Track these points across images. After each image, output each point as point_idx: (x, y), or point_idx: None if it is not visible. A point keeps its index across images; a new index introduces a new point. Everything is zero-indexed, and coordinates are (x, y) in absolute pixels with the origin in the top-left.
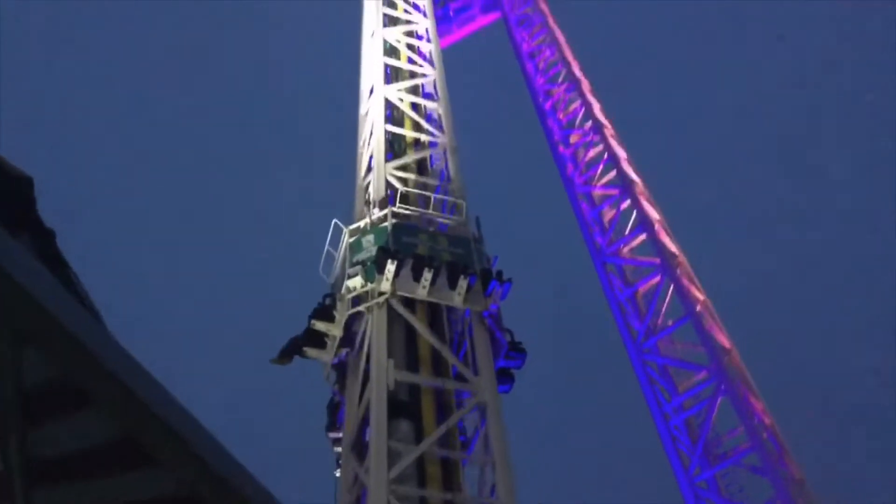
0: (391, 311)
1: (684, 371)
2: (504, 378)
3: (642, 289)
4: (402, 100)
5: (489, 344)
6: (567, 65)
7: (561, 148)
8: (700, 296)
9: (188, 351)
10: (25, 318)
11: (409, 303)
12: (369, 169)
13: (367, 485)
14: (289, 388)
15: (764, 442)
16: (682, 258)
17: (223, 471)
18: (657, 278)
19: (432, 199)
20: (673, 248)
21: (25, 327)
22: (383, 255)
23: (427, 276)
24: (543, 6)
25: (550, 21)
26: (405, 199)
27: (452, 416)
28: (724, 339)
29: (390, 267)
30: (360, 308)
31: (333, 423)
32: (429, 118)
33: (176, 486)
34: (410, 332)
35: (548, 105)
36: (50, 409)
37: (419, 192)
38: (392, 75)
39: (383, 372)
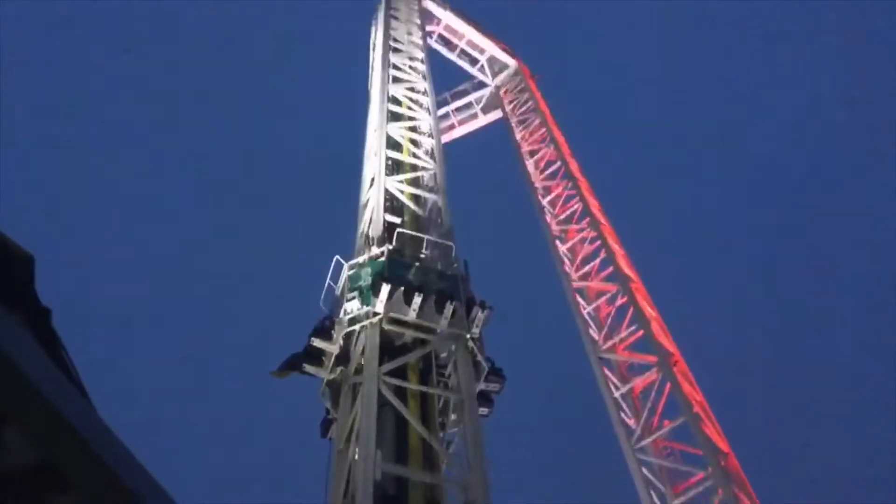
0: (381, 397)
1: (681, 473)
2: (484, 401)
3: (638, 386)
4: (402, 191)
5: (472, 368)
6: (566, 163)
7: (558, 243)
8: (697, 396)
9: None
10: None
11: (400, 391)
12: (370, 222)
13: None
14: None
15: None
16: (678, 357)
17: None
18: (653, 376)
19: (425, 241)
20: (669, 346)
21: (12, 407)
22: (379, 279)
23: (417, 300)
24: (543, 107)
25: (549, 120)
26: (401, 241)
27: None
28: (721, 442)
29: (385, 288)
30: (356, 327)
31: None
32: (429, 211)
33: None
34: (401, 422)
35: (546, 201)
36: (26, 492)
37: (414, 233)
38: (393, 167)
39: (370, 464)
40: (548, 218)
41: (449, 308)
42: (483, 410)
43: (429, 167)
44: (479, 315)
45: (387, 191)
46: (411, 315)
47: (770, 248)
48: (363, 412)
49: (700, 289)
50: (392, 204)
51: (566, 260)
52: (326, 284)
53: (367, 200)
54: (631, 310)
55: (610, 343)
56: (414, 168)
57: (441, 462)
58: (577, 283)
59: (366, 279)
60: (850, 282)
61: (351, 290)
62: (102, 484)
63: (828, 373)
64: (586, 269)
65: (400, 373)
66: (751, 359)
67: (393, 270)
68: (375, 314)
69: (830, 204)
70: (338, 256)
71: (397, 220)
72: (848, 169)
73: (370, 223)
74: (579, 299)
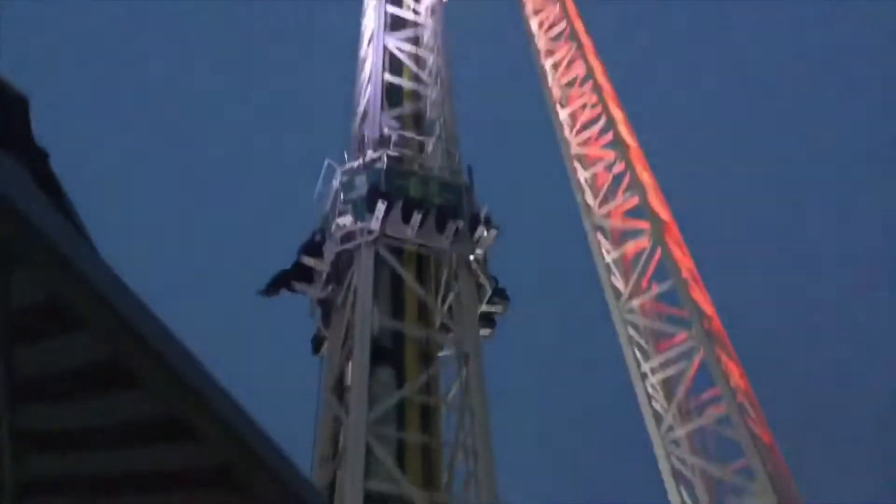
0: (378, 257)
1: (665, 334)
2: (487, 322)
3: (630, 251)
4: (401, 49)
5: (474, 290)
6: (571, 23)
7: (558, 108)
8: (687, 262)
9: (177, 280)
10: (17, 240)
11: (398, 251)
12: (364, 116)
13: (346, 424)
14: (275, 320)
15: (738, 405)
16: (671, 224)
17: (206, 393)
18: (645, 242)
19: (427, 146)
20: (663, 213)
21: (18, 249)
22: (374, 194)
23: (416, 217)
24: None
25: None
26: (399, 144)
27: (433, 365)
28: (706, 305)
29: (380, 206)
30: (349, 246)
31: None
32: (428, 71)
33: (160, 408)
34: (397, 280)
35: (549, 63)
36: (38, 330)
37: (413, 135)
38: (392, 24)
39: (368, 318)
40: (549, 82)
41: (451, 227)
42: (485, 332)
43: (428, 25)
44: (484, 235)
45: (385, 48)
46: (409, 234)
47: None
48: (360, 270)
49: None
50: (391, 63)
51: (566, 126)
52: (317, 189)
53: (366, 56)
54: (627, 177)
55: (605, 209)
56: (414, 24)
57: (435, 318)
58: (577, 149)
59: (360, 189)
60: None
61: (345, 202)
62: (111, 321)
63: None
64: (586, 134)
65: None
66: None
67: (390, 181)
68: (370, 232)
69: None
70: (329, 160)
71: (398, 81)
72: None
73: (365, 118)
74: (577, 165)
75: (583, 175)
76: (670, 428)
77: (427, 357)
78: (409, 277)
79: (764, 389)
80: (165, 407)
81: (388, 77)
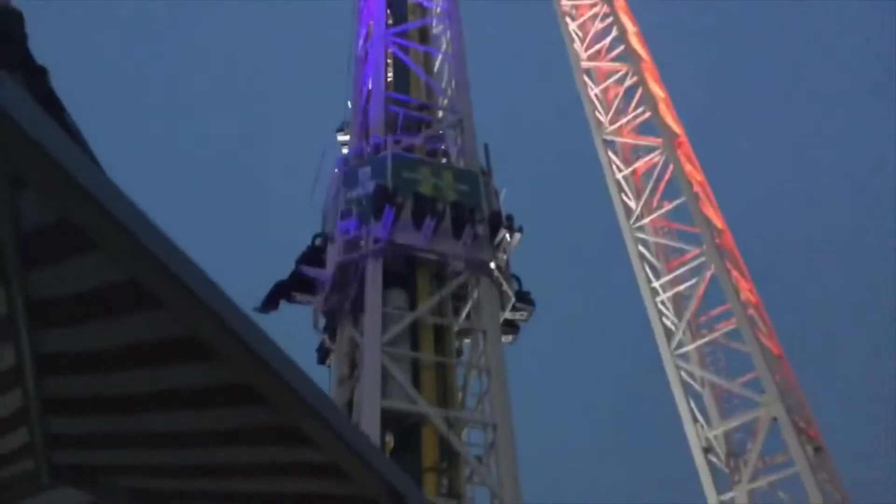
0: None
1: (677, 250)
2: (508, 327)
3: (641, 168)
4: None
5: (496, 298)
6: None
7: (568, 20)
8: (698, 176)
9: None
10: (25, 161)
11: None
12: (367, 95)
13: (360, 346)
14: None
15: (748, 318)
16: (683, 138)
17: (224, 315)
18: (657, 158)
19: (437, 123)
20: (675, 128)
21: (24, 170)
22: (381, 197)
23: (429, 224)
24: None
25: None
26: (408, 125)
27: (446, 286)
28: (718, 220)
29: (388, 212)
30: (353, 256)
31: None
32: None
33: (178, 328)
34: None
35: None
36: (50, 252)
37: (419, 114)
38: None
39: (377, 339)
40: None
41: (469, 232)
42: (507, 338)
43: None
44: (507, 239)
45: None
46: (421, 241)
47: None
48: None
49: None
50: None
51: (576, 38)
52: (316, 176)
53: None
54: (639, 90)
55: (616, 125)
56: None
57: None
58: (586, 62)
59: (364, 184)
60: None
61: (347, 200)
62: (124, 242)
63: None
64: (597, 47)
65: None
66: None
67: (398, 174)
68: (377, 241)
69: None
70: (328, 144)
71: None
72: None
73: (368, 97)
74: (587, 80)
75: (592, 90)
76: (680, 343)
77: (439, 277)
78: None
79: (773, 303)
80: (185, 327)
81: (392, 51)
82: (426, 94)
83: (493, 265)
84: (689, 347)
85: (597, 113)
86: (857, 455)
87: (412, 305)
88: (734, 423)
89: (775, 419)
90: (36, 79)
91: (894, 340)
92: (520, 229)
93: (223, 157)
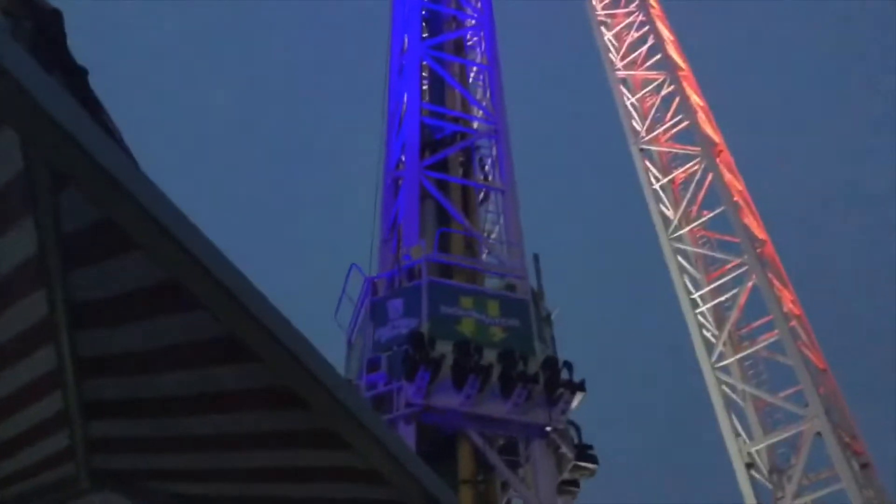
0: (422, 189)
1: (717, 260)
2: (567, 487)
3: (679, 177)
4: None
5: (553, 464)
6: None
7: (603, 30)
8: (739, 186)
9: None
10: (66, 161)
11: (442, 184)
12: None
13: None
14: None
15: (790, 330)
16: (722, 147)
17: (263, 316)
18: (696, 167)
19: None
20: (715, 136)
21: (65, 170)
22: (415, 351)
23: (472, 384)
24: None
25: None
26: (445, 240)
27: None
28: (759, 230)
29: (423, 374)
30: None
31: None
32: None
33: (218, 329)
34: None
35: None
36: (92, 253)
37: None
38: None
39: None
40: (593, 1)
41: (519, 392)
42: (565, 499)
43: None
44: (566, 399)
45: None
46: (462, 404)
47: None
48: (406, 202)
49: None
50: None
51: (611, 48)
52: (340, 299)
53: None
54: (677, 99)
55: (653, 134)
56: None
57: (481, 250)
58: (622, 72)
59: (395, 322)
60: None
61: (375, 346)
62: (164, 243)
63: None
64: (633, 56)
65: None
66: None
67: (435, 310)
68: (409, 405)
69: None
70: (355, 265)
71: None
72: None
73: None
74: (623, 90)
75: (629, 99)
76: (721, 356)
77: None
78: (455, 209)
79: (818, 316)
80: (225, 329)
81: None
82: (462, 105)
83: (548, 429)
84: (731, 360)
85: (633, 122)
86: None
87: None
88: (777, 437)
89: (819, 434)
90: (75, 79)
91: None
92: (581, 385)
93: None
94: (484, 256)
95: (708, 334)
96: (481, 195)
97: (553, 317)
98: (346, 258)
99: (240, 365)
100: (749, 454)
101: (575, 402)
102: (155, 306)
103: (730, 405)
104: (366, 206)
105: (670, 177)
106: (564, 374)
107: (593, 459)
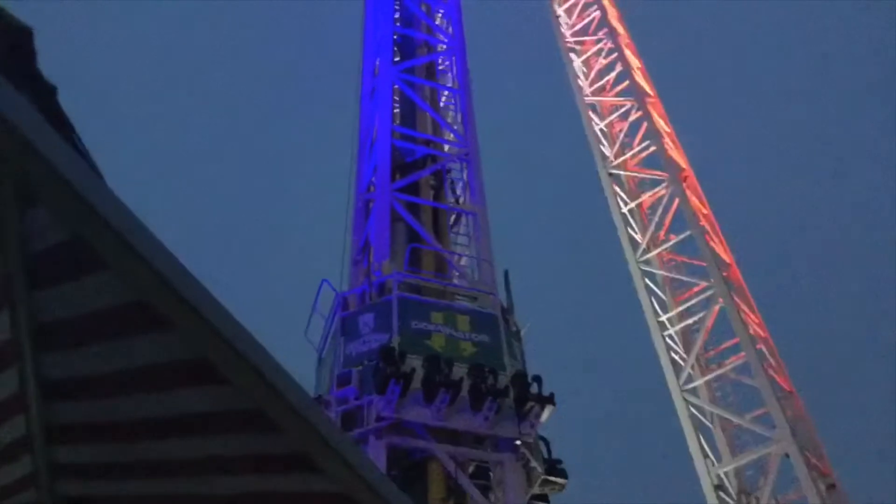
0: (394, 212)
1: (684, 284)
2: (538, 501)
3: (647, 201)
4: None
5: (522, 478)
6: None
7: (573, 56)
8: (704, 210)
9: None
10: (33, 178)
11: (412, 207)
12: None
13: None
14: None
15: (757, 353)
16: (689, 172)
17: (232, 338)
18: (663, 191)
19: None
20: (681, 161)
21: (32, 187)
22: (385, 365)
23: (442, 399)
24: None
25: None
26: (415, 257)
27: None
28: (725, 253)
29: (394, 388)
30: (352, 432)
31: None
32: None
33: (187, 351)
34: (413, 235)
35: (562, 9)
36: (58, 273)
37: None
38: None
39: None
40: (563, 28)
41: (490, 406)
42: None
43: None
44: (536, 412)
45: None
46: (433, 419)
47: None
48: (376, 225)
49: None
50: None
51: (580, 74)
52: (311, 316)
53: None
54: (644, 125)
55: (621, 159)
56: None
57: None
58: (591, 98)
59: (366, 338)
60: None
61: (346, 360)
62: (132, 260)
63: None
64: (601, 83)
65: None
66: None
67: (406, 326)
68: (380, 419)
69: None
70: (326, 281)
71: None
72: None
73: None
74: (592, 115)
75: (597, 125)
76: (689, 378)
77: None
78: (425, 231)
79: (784, 338)
80: (194, 350)
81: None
82: (433, 129)
83: (517, 443)
84: (699, 382)
85: (601, 147)
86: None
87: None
88: (745, 459)
89: (787, 455)
90: (44, 97)
91: None
92: (551, 398)
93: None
94: (455, 279)
95: (676, 357)
96: (452, 218)
97: (523, 333)
98: (316, 275)
99: (209, 387)
100: (718, 476)
101: (545, 416)
102: (122, 327)
103: (698, 427)
104: (337, 224)
105: (638, 201)
106: (535, 389)
107: (563, 474)
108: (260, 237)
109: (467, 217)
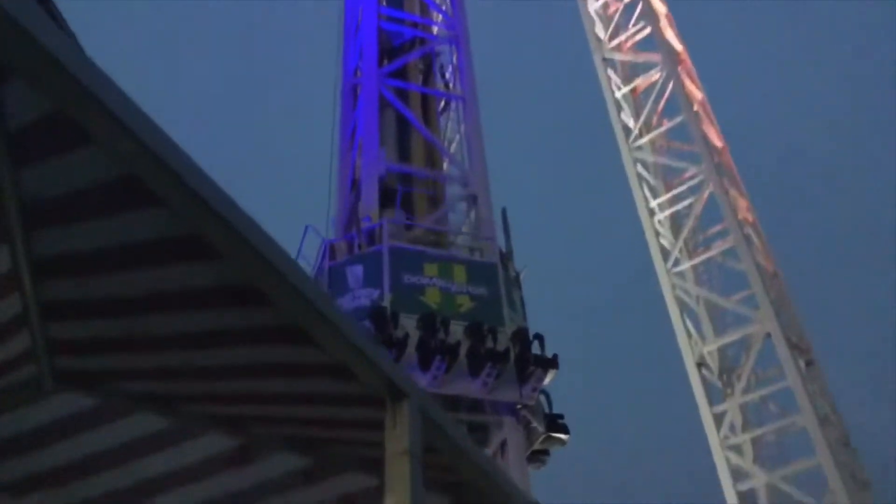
0: (382, 99)
1: (675, 169)
2: (536, 456)
3: (641, 86)
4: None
5: (522, 439)
6: None
7: None
8: (699, 95)
9: None
10: (12, 50)
11: (402, 93)
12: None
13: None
14: None
15: (744, 237)
16: (684, 55)
17: (222, 210)
18: (657, 75)
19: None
20: (677, 44)
21: (11, 60)
22: (377, 331)
23: (438, 366)
24: None
25: None
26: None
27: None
28: (717, 139)
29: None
30: None
31: None
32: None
33: (177, 226)
34: (402, 122)
35: None
36: (41, 149)
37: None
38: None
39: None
40: None
41: (488, 371)
42: (534, 466)
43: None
44: (538, 376)
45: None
46: (429, 383)
47: None
48: (364, 113)
49: None
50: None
51: None
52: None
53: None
54: (640, 5)
55: (616, 42)
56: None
57: (443, 160)
58: None
59: (355, 294)
60: None
61: None
62: (119, 136)
63: None
64: None
65: (400, 74)
66: None
67: (398, 280)
68: None
69: None
70: (311, 226)
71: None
72: None
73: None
74: None
75: (592, 6)
76: (676, 261)
77: (437, 200)
78: (414, 117)
79: (771, 220)
80: (185, 225)
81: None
82: (420, 10)
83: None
84: (685, 266)
85: (596, 30)
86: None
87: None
88: (729, 339)
89: (769, 335)
90: None
91: (892, 260)
92: (554, 361)
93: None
94: (445, 167)
95: (665, 242)
96: (441, 105)
97: (522, 277)
98: (300, 218)
99: (200, 262)
100: (701, 354)
101: (547, 380)
102: (112, 203)
103: (684, 310)
104: (322, 160)
105: (631, 86)
106: (536, 348)
107: (564, 429)
108: (240, 176)
109: (456, 103)
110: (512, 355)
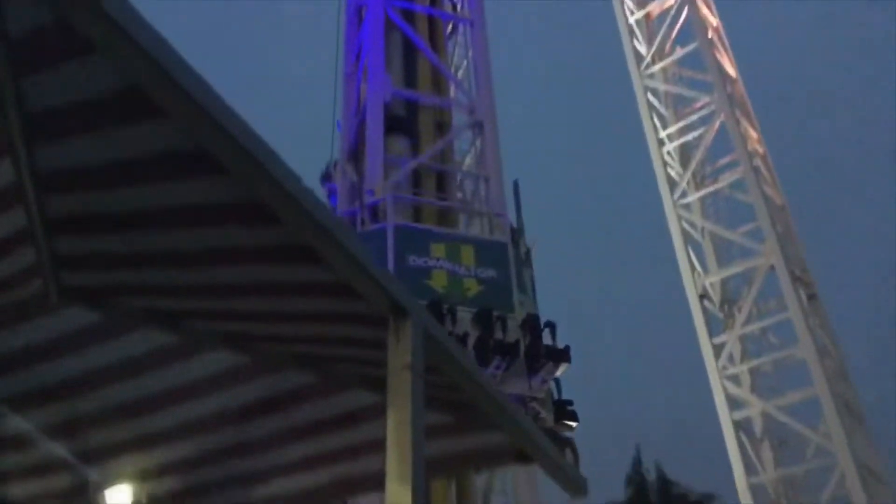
0: (389, 21)
1: (686, 98)
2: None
3: (655, 11)
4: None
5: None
6: None
7: None
8: (714, 21)
9: None
10: None
11: (409, 15)
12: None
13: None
14: None
15: (753, 169)
16: None
17: (227, 124)
18: (671, 0)
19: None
20: None
21: None
22: None
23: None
24: None
25: None
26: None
27: (449, 133)
28: (731, 68)
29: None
30: None
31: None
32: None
33: (183, 140)
34: (408, 46)
35: None
36: (44, 58)
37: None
38: None
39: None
40: None
41: (497, 363)
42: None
43: None
44: (549, 369)
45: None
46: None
47: None
48: (370, 35)
49: None
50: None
51: None
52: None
53: None
54: None
55: None
56: None
57: (449, 86)
58: None
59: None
60: None
61: None
62: (124, 46)
63: None
64: None
65: None
66: None
67: (402, 260)
68: None
69: None
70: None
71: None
72: None
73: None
74: None
75: None
76: (683, 193)
77: (443, 126)
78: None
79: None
80: (189, 140)
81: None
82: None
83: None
84: (693, 198)
85: None
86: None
87: (415, 153)
88: (732, 270)
89: (772, 267)
90: None
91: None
92: (566, 354)
93: None
94: (451, 94)
95: (672, 173)
96: (449, 28)
97: (533, 252)
98: (305, 148)
99: (206, 177)
100: (703, 286)
101: (558, 372)
102: (116, 116)
103: (688, 241)
104: (325, 103)
105: (645, 10)
106: (547, 337)
107: (573, 416)
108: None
109: (464, 26)
110: (522, 347)
